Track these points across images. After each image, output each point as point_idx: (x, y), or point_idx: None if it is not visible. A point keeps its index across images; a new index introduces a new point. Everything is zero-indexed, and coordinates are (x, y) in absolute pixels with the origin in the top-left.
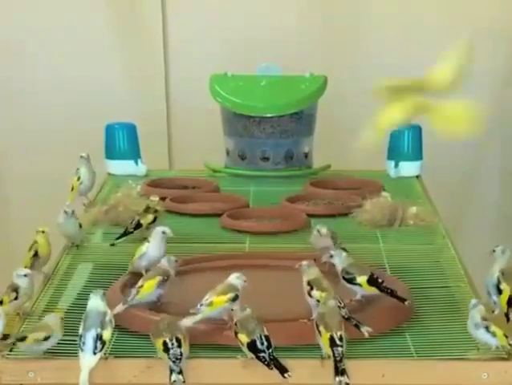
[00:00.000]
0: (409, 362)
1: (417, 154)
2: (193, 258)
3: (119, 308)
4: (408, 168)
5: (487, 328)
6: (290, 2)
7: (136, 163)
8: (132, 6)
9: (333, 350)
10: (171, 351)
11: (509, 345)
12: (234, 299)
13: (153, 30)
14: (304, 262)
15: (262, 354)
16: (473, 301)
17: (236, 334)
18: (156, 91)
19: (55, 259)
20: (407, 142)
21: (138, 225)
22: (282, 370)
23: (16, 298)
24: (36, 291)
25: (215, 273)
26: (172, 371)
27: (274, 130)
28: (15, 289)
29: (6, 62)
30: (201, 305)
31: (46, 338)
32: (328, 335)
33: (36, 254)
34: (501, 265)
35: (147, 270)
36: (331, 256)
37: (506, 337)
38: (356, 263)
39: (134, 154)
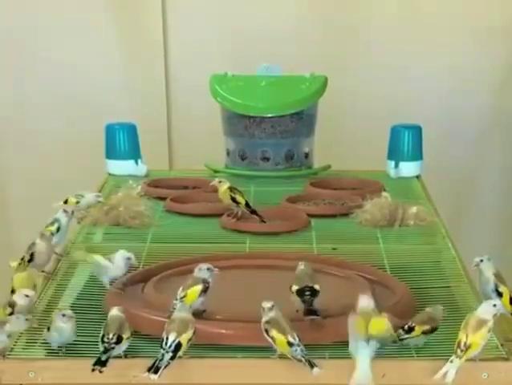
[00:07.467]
0: (409, 362)
1: (417, 154)
2: (193, 258)
3: None
4: (408, 168)
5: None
6: (290, 2)
7: (136, 163)
8: (132, 6)
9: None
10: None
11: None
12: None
13: (153, 30)
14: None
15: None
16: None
17: None
18: (156, 91)
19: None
20: (407, 142)
21: None
22: None
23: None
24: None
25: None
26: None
27: (275, 130)
28: (11, 305)
29: (5, 63)
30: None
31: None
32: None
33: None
34: (492, 270)
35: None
36: None
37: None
38: None
39: (134, 154)
